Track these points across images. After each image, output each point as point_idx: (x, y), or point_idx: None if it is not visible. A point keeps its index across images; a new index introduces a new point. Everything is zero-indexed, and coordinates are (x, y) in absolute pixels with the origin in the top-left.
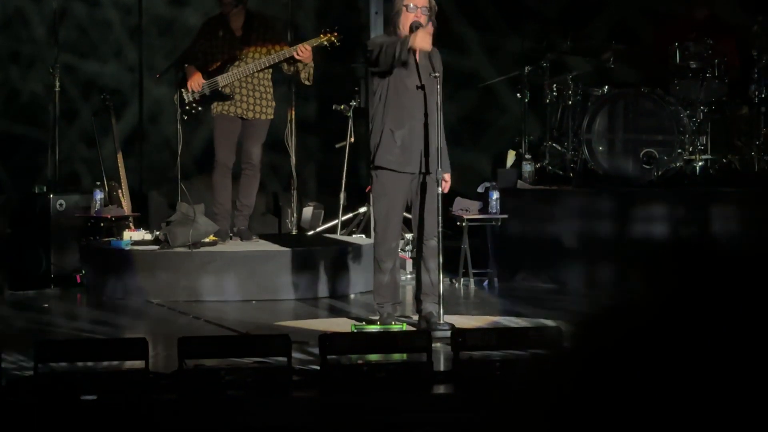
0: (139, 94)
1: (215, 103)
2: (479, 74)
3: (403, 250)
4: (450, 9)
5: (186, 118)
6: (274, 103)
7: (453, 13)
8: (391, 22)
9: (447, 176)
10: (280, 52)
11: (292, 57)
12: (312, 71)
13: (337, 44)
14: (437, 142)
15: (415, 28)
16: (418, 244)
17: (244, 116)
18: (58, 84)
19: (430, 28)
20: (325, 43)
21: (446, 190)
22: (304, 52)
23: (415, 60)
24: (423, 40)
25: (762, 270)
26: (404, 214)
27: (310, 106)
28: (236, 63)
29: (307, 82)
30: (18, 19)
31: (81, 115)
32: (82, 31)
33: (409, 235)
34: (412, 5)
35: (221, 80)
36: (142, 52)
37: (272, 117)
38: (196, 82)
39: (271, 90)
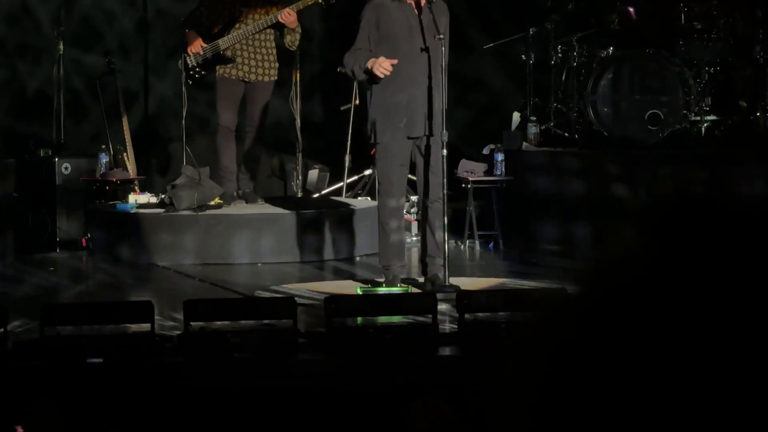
0: (145, 89)
1: (218, 66)
2: (485, 78)
3: (408, 212)
4: (458, 11)
5: (191, 83)
6: (277, 65)
7: (461, 15)
8: None
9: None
10: (268, 17)
11: (278, 21)
12: (298, 37)
13: (332, 1)
14: (441, 104)
15: None
16: (424, 206)
17: (246, 79)
18: (62, 48)
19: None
20: (320, 1)
21: None
22: (288, 16)
23: (420, 22)
24: (378, 70)
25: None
26: (409, 176)
27: (314, 68)
28: (237, 25)
29: (291, 48)
30: (24, 14)
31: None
32: (86, 23)
33: (414, 197)
34: None
35: (222, 43)
36: (147, 45)
37: (276, 78)
38: (196, 47)
39: (275, 51)
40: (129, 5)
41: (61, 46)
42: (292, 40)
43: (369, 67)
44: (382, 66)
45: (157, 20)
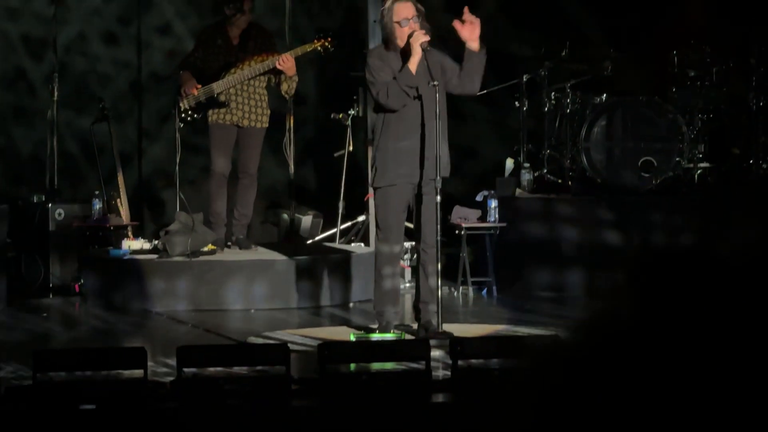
0: (138, 153)
1: (210, 112)
2: (480, 147)
3: (402, 258)
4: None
5: (182, 125)
6: (269, 112)
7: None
8: (384, 36)
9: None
10: (265, 61)
11: (275, 67)
12: (294, 85)
13: (331, 49)
14: (435, 150)
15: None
16: (418, 252)
17: (240, 124)
18: (56, 92)
19: (424, 37)
20: (319, 48)
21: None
22: (285, 62)
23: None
24: (417, 41)
25: (761, 276)
26: (406, 223)
27: (308, 114)
28: (232, 71)
29: (286, 95)
30: (18, 77)
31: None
32: (80, 85)
33: (408, 244)
34: (403, 20)
35: (216, 87)
36: (141, 106)
37: (267, 125)
38: (190, 86)
39: (266, 99)
40: (123, 67)
41: (56, 99)
42: (288, 88)
43: (410, 41)
44: (420, 36)
45: (151, 83)
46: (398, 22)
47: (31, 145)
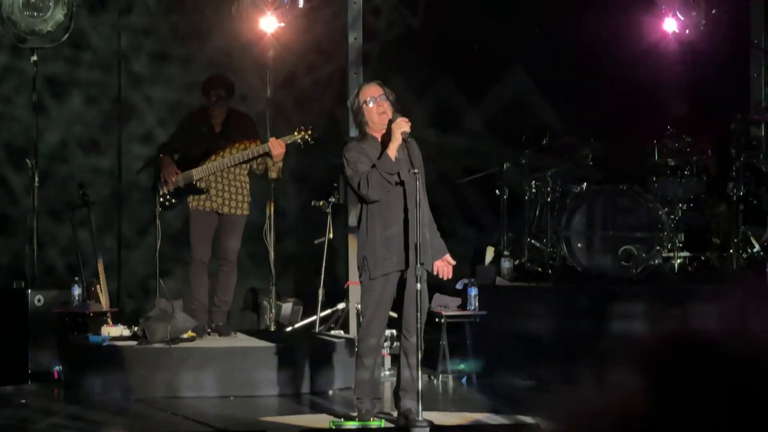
0: (118, 263)
1: (191, 198)
2: (460, 235)
3: (383, 347)
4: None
5: (160, 209)
6: (249, 199)
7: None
8: (358, 123)
9: (447, 257)
10: (254, 147)
11: (265, 153)
12: (280, 167)
13: (311, 142)
14: (416, 237)
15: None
16: (400, 339)
17: (220, 211)
18: (37, 182)
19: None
20: (299, 141)
21: (449, 275)
22: (278, 147)
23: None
24: (399, 128)
25: (739, 366)
26: (390, 313)
27: (289, 201)
28: (212, 157)
29: (278, 178)
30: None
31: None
32: (62, 193)
33: (388, 332)
34: (368, 99)
35: (196, 173)
36: (121, 213)
37: (248, 212)
38: (170, 172)
39: (247, 186)
40: (103, 174)
41: (36, 178)
42: (277, 175)
43: (392, 127)
44: (402, 124)
45: (131, 192)
46: (365, 101)
47: (11, 255)
